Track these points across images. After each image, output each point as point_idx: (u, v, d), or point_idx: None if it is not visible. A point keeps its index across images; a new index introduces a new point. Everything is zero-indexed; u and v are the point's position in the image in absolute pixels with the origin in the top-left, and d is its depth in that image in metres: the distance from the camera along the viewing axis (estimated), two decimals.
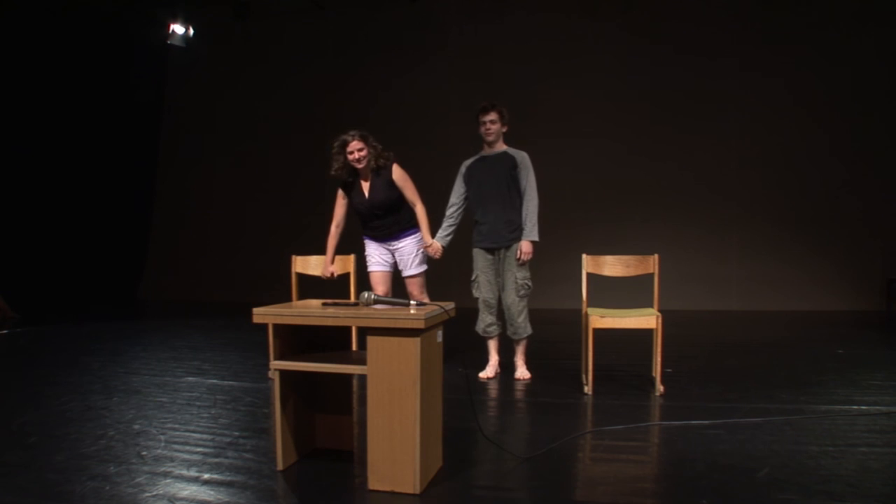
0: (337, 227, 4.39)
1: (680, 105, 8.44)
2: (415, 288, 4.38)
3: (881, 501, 2.33)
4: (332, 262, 4.41)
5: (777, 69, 8.17)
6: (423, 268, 4.41)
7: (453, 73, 8.92)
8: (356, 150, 4.11)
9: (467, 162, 4.46)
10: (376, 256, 4.43)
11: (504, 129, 4.38)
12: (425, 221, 4.30)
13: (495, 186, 4.33)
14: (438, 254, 4.34)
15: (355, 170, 4.20)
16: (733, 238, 8.39)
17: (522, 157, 4.34)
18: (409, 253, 4.36)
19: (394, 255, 4.42)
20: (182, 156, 10.29)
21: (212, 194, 10.11)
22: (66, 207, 9.30)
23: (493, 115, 4.32)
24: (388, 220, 4.30)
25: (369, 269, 4.45)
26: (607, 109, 8.63)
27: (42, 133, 8.81)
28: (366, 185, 4.25)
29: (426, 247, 4.32)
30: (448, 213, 4.47)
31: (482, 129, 4.35)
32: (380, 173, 4.23)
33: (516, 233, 4.30)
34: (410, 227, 4.36)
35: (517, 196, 4.32)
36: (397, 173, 4.23)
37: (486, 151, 4.42)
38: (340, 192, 4.34)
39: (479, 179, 4.38)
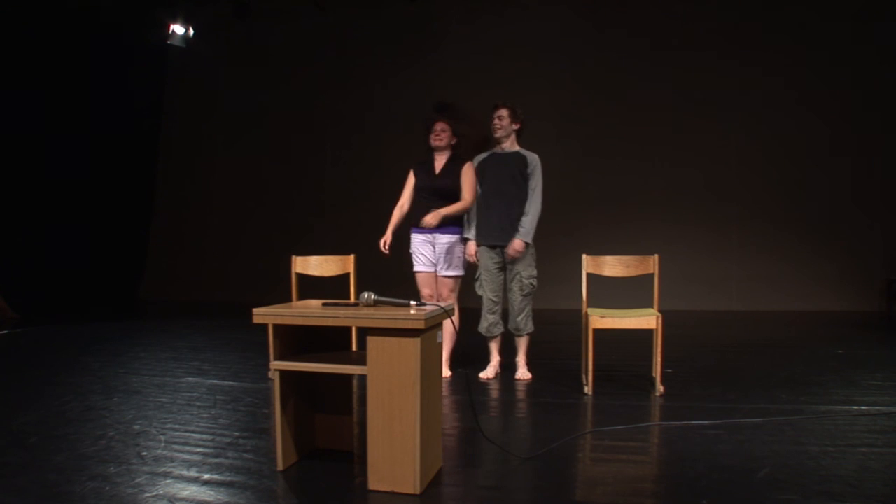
0: (400, 208, 4.43)
1: (680, 104, 8.43)
2: (445, 289, 4.34)
3: (881, 501, 2.33)
4: (390, 236, 4.36)
5: (777, 69, 8.17)
6: (460, 272, 4.37)
7: (453, 72, 8.90)
8: (440, 130, 4.32)
9: (479, 157, 4.46)
10: (421, 255, 4.36)
11: (515, 127, 4.38)
12: (458, 208, 4.25)
13: (505, 185, 4.33)
14: (474, 258, 4.38)
15: (432, 149, 4.37)
16: (733, 238, 8.39)
17: (534, 160, 4.35)
18: (449, 252, 4.30)
19: (434, 250, 4.34)
20: (182, 156, 10.29)
21: (212, 194, 10.12)
22: (67, 208, 9.29)
23: (502, 111, 4.35)
24: (441, 206, 4.25)
25: (415, 268, 4.40)
26: (607, 108, 8.63)
27: (42, 133, 8.81)
28: (438, 166, 4.36)
29: (469, 255, 4.35)
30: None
31: (491, 124, 4.38)
32: (454, 160, 4.33)
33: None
34: (456, 224, 4.34)
35: (525, 197, 4.32)
36: (466, 169, 4.31)
37: (499, 149, 4.43)
38: (411, 173, 4.45)
39: (490, 176, 4.38)
